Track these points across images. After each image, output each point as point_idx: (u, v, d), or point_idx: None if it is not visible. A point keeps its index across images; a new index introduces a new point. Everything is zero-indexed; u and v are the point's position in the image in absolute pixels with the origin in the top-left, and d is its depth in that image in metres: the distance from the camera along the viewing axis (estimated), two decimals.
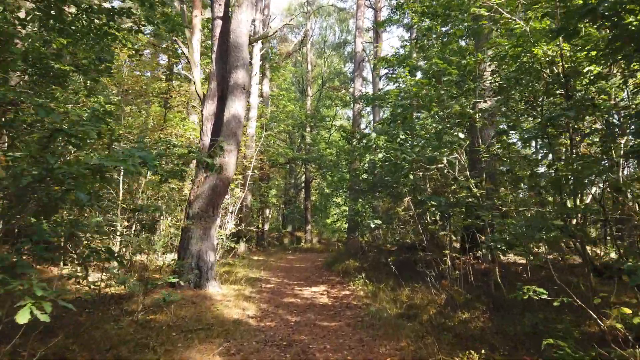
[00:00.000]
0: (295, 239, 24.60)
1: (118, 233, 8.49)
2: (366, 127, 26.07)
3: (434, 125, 6.51)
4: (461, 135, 5.80)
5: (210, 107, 7.88)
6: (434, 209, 6.05)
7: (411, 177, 6.11)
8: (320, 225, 32.07)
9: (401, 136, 6.26)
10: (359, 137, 9.94)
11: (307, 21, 28.46)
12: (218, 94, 7.91)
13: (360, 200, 8.12)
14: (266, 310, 6.30)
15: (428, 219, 7.56)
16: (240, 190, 12.93)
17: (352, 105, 17.87)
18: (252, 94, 17.64)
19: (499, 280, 6.38)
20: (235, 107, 7.44)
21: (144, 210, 8.54)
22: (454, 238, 9.01)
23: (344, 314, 6.17)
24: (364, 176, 9.55)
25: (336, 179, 10.52)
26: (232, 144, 7.38)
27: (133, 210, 8.10)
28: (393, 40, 57.57)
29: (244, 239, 14.63)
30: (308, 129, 24.94)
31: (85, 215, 8.25)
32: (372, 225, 6.90)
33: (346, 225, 35.04)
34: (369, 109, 21.37)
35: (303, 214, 26.51)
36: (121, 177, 8.94)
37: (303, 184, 27.85)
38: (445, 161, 5.80)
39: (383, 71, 20.86)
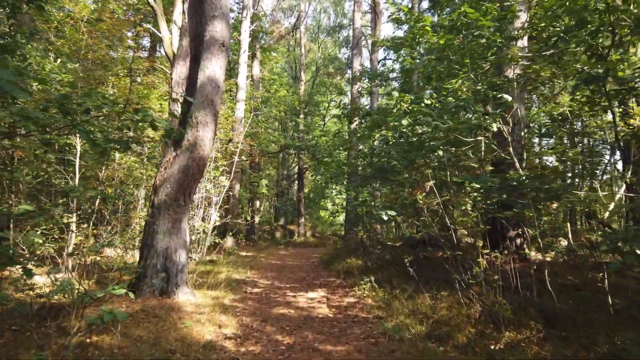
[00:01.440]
0: (288, 232, 23.14)
1: (71, 226, 6.99)
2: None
3: (469, 86, 5.07)
4: (508, 97, 4.34)
5: (182, 69, 6.33)
6: (475, 194, 4.59)
7: (441, 153, 4.65)
8: (315, 218, 30.64)
9: (426, 101, 4.79)
10: (362, 115, 8.45)
11: (301, 2, 26.74)
12: (191, 53, 6.36)
13: (367, 187, 6.66)
14: (249, 327, 4.83)
15: (454, 208, 6.12)
16: (226, 178, 11.40)
17: (350, 86, 16.34)
18: (240, 74, 16.05)
19: (549, 285, 5.00)
20: (212, 67, 5.89)
21: (108, 198, 7.02)
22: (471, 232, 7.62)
23: (351, 331, 4.72)
24: (368, 160, 8.11)
25: (334, 164, 9.04)
26: (207, 114, 5.85)
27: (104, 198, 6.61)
28: (388, 28, 55.90)
29: (231, 233, 13.13)
30: (302, 116, 23.39)
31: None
32: (385, 217, 5.44)
33: (341, 218, 33.69)
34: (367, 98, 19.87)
35: (296, 206, 25.04)
36: (77, 158, 7.39)
37: (296, 175, 26.36)
38: (495, 128, 4.35)
39: (381, 55, 19.40)
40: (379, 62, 19.35)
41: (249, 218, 13.98)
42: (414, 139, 4.87)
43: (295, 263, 11.14)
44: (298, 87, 24.96)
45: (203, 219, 11.55)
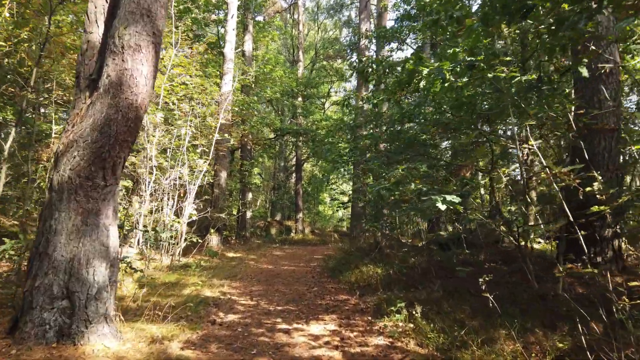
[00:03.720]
0: (285, 228, 20.80)
1: None
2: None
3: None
4: None
5: None
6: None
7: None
8: (314, 213, 28.31)
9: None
10: (381, 71, 6.11)
11: None
12: None
13: (402, 165, 4.26)
14: None
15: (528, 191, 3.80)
16: (204, 161, 9.02)
17: (355, 61, 13.92)
18: (227, 43, 13.62)
19: None
20: None
21: None
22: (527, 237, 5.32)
23: None
24: (391, 131, 5.75)
25: (338, 146, 6.68)
26: (141, 32, 3.48)
27: None
28: None
29: (213, 230, 10.77)
30: (300, 100, 20.96)
31: None
32: (442, 207, 3.13)
33: (340, 213, 31.40)
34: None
35: (294, 200, 22.70)
36: None
37: (294, 167, 24.01)
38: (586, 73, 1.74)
39: (389, 23, 16.98)
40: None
41: (235, 212, 11.59)
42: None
43: (292, 268, 8.80)
44: (296, 69, 22.51)
45: (176, 213, 9.20)
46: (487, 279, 3.40)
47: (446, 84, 3.74)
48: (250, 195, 16.91)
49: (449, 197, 3.30)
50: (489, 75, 3.44)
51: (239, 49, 17.11)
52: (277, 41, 23.43)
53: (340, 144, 6.11)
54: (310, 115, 19.77)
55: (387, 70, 6.51)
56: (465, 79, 3.67)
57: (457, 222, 7.76)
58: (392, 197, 4.42)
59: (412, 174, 3.94)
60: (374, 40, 12.09)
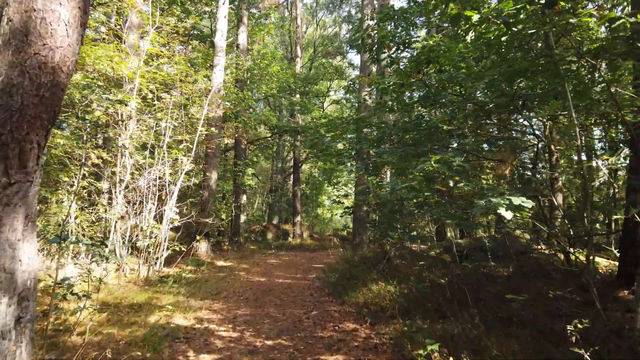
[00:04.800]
0: (282, 233, 19.64)
1: None
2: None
3: None
4: None
5: None
6: None
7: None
8: (312, 217, 27.18)
9: None
10: (399, 44, 5.03)
11: None
12: None
13: (435, 156, 3.13)
14: None
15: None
16: (188, 158, 7.89)
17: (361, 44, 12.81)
18: (218, 32, 12.51)
19: None
20: None
21: None
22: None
23: None
24: (409, 119, 4.65)
25: (350, 137, 5.52)
26: None
27: None
28: None
29: (199, 238, 9.62)
30: (298, 97, 19.83)
31: None
32: (508, 214, 2.03)
33: (338, 217, 30.22)
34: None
35: (291, 203, 21.55)
36: None
37: (292, 168, 22.89)
38: None
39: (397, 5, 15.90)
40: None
41: (224, 216, 10.45)
42: None
43: (288, 281, 7.66)
44: (294, 64, 21.43)
45: (156, 218, 8.07)
46: (578, 326, 2.27)
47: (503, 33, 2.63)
48: (244, 198, 15.77)
49: (516, 200, 2.20)
50: (571, 20, 2.35)
51: (234, 42, 16.03)
52: (273, 35, 22.36)
53: (345, 135, 5.05)
54: (309, 112, 18.65)
55: (401, 47, 5.40)
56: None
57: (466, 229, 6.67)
58: (416, 200, 3.32)
59: (446, 168, 2.84)
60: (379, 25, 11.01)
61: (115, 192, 7.05)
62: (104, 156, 7.16)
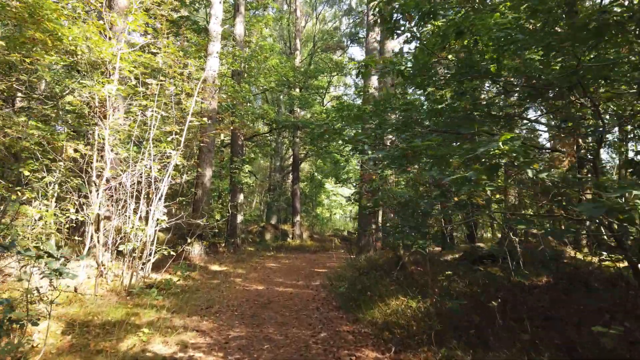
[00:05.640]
0: (281, 233, 18.81)
1: None
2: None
3: None
4: None
5: None
6: None
7: None
8: (312, 217, 26.33)
9: None
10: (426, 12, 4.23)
11: None
12: None
13: (507, 134, 2.31)
14: None
15: None
16: (176, 151, 7.03)
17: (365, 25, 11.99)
18: (213, 18, 11.66)
19: None
20: None
21: None
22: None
23: None
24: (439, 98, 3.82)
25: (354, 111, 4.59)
26: None
27: None
28: None
29: (192, 238, 8.76)
30: (297, 91, 18.97)
31: None
32: None
33: (337, 215, 29.30)
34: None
35: (290, 202, 20.71)
36: None
37: (291, 166, 22.02)
38: None
39: None
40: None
41: (218, 217, 9.59)
42: None
43: (289, 289, 6.82)
44: (293, 57, 20.56)
45: (141, 218, 7.21)
46: None
47: None
48: (241, 197, 14.91)
49: None
50: None
51: (230, 35, 15.16)
52: (271, 27, 21.46)
53: (358, 122, 4.16)
54: (310, 107, 17.80)
55: (425, 18, 4.58)
56: None
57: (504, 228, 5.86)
58: (470, 195, 2.50)
59: (522, 152, 2.03)
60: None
61: (93, 189, 6.19)
62: (81, 149, 6.30)
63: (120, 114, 7.61)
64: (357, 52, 58.52)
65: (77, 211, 6.10)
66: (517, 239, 6.50)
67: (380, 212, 10.58)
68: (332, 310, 5.11)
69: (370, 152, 3.17)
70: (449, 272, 4.99)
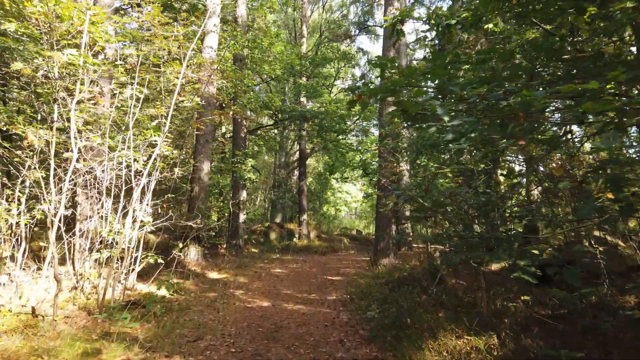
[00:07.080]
0: (287, 233, 17.54)
1: None
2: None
3: None
4: None
5: None
6: None
7: None
8: (319, 215, 25.05)
9: None
10: None
11: None
12: None
13: None
14: None
15: None
16: (161, 135, 5.75)
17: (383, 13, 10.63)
18: None
19: None
20: None
21: None
22: None
23: None
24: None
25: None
26: None
27: None
28: None
29: (189, 240, 7.50)
30: (304, 79, 17.65)
31: None
32: None
33: (343, 213, 28.00)
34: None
35: (297, 199, 19.42)
36: None
37: (296, 162, 20.72)
38: None
39: None
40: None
41: (215, 217, 8.34)
42: None
43: (301, 307, 5.55)
44: (300, 43, 19.23)
45: (125, 216, 5.98)
46: None
47: None
48: (244, 194, 13.66)
49: None
50: None
51: (232, 21, 13.88)
52: (278, 11, 20.10)
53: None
54: (319, 96, 16.48)
55: None
56: None
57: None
58: None
59: None
60: None
61: (54, 181, 4.92)
62: (41, 134, 5.04)
63: (107, 98, 6.40)
64: (365, 42, 56.96)
65: (29, 210, 4.86)
66: (589, 242, 5.17)
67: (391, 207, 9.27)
68: (362, 344, 3.82)
69: (446, 117, 1.88)
70: (527, 297, 3.68)
